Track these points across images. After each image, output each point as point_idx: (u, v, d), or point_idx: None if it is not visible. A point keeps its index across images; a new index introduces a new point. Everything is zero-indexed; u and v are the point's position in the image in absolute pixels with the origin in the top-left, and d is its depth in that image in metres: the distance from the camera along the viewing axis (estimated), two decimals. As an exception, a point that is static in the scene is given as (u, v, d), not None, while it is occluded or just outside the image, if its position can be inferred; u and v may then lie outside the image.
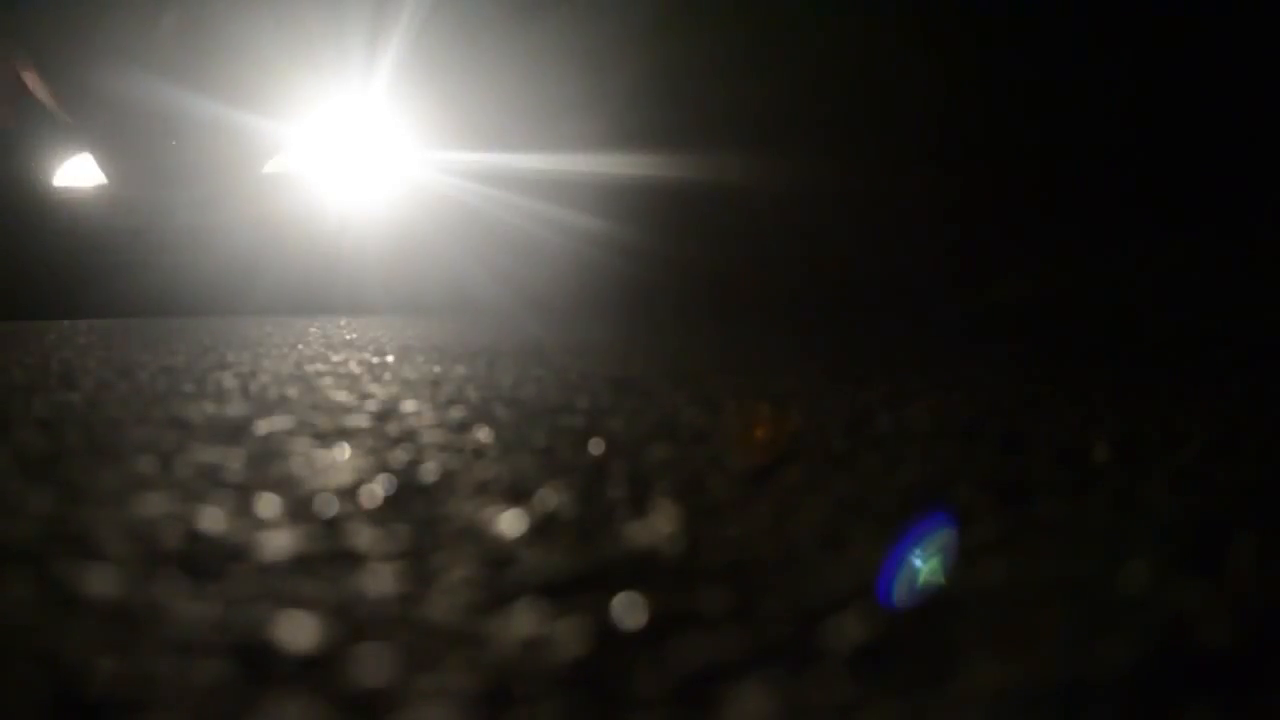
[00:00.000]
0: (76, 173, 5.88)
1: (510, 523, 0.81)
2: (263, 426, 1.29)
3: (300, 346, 2.69)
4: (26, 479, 0.98)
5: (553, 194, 5.14)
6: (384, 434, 1.24)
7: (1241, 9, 4.10)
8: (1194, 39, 4.17)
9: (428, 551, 0.73)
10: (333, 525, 0.81)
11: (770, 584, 0.66)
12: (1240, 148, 3.98)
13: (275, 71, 5.40)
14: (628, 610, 0.61)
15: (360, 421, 1.34)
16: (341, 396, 1.60)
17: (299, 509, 0.86)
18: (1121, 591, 0.64)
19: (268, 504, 0.87)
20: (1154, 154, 4.16)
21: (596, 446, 1.14)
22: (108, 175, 5.81)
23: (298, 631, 0.58)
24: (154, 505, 0.87)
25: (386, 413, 1.42)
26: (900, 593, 0.64)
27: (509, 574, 0.68)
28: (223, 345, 2.73)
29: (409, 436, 1.22)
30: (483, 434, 1.23)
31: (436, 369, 2.04)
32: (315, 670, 0.53)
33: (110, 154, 5.76)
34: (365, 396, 1.60)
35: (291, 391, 1.67)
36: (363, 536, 0.77)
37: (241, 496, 0.90)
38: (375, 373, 1.98)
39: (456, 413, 1.41)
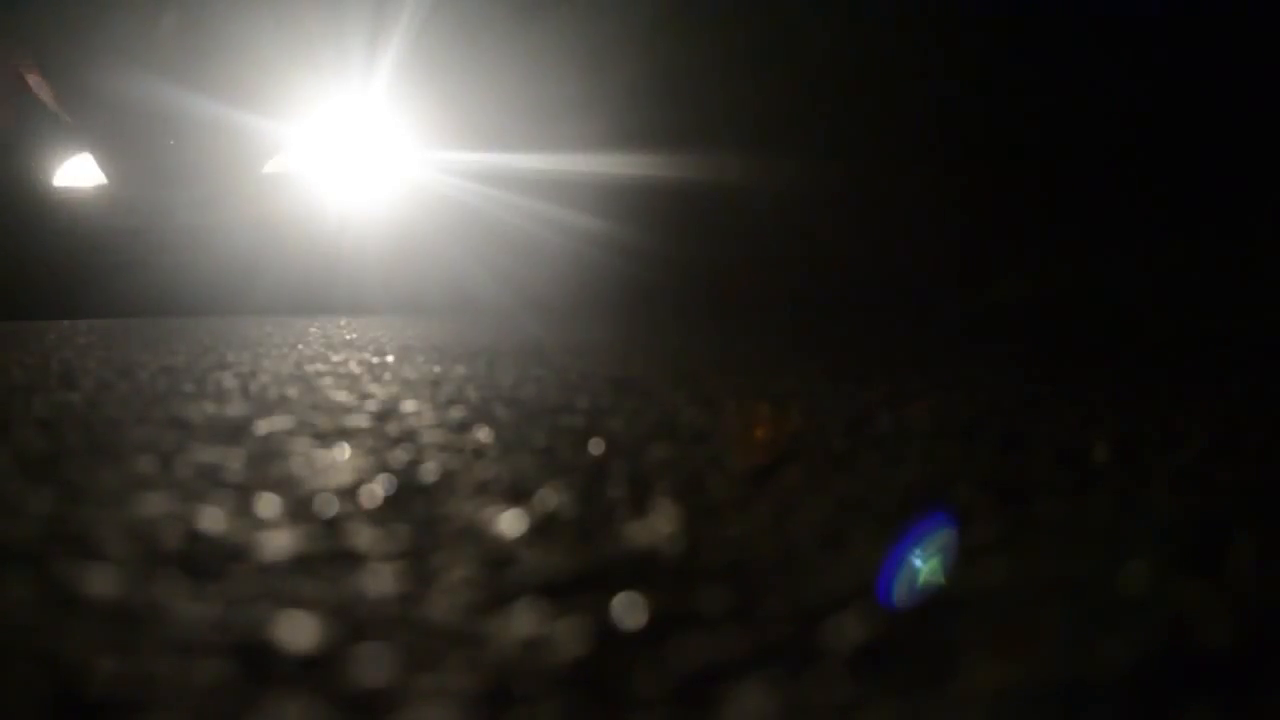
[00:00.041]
0: (76, 173, 5.88)
1: (510, 523, 0.81)
2: (263, 426, 1.29)
3: (300, 346, 2.69)
4: (26, 479, 0.98)
5: (553, 194, 5.14)
6: (384, 434, 1.24)
7: (1241, 9, 4.10)
8: (1194, 39, 4.17)
9: (428, 551, 0.73)
10: (333, 525, 0.81)
11: (770, 584, 0.66)
12: (1240, 148, 3.98)
13: (275, 71, 5.40)
14: (628, 610, 0.61)
15: (360, 421, 1.34)
16: (341, 396, 1.60)
17: (299, 509, 0.86)
18: (1121, 591, 0.64)
19: (268, 504, 0.87)
20: (1154, 154, 4.16)
21: (596, 446, 1.14)
22: (108, 175, 5.81)
23: (298, 631, 0.58)
24: (154, 505, 0.87)
25: (386, 413, 1.42)
26: (900, 593, 0.64)
27: (509, 574, 0.68)
28: (223, 345, 2.73)
29: (409, 436, 1.22)
30: (483, 434, 1.23)
31: (436, 369, 2.04)
32: (315, 670, 0.53)
33: (110, 154, 5.77)
34: (365, 396, 1.60)
35: (291, 391, 1.67)
36: (363, 536, 0.77)
37: (241, 496, 0.90)
38: (375, 373, 1.98)
39: (456, 413, 1.41)
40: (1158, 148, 4.17)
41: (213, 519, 0.82)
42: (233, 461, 1.06)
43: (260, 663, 0.53)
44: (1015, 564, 0.70)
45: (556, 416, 1.37)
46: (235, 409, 1.45)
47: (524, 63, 5.17)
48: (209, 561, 0.71)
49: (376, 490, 0.93)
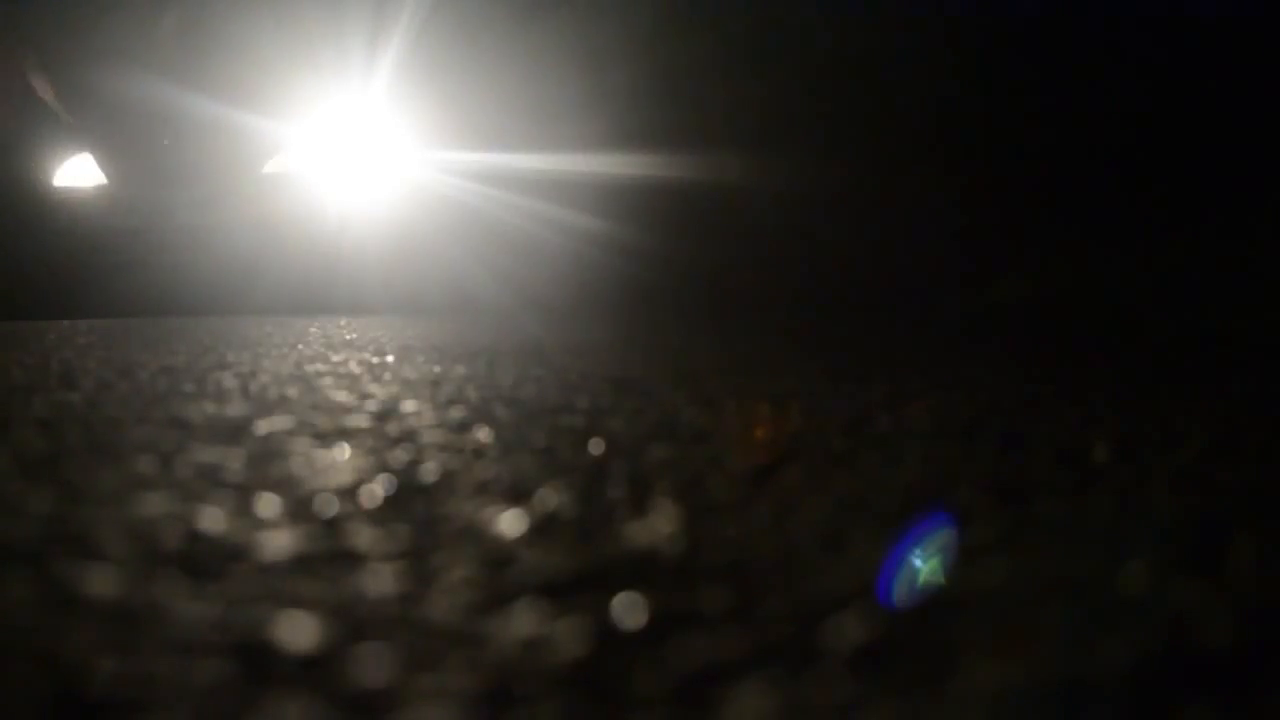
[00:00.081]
0: (76, 173, 5.88)
1: (510, 523, 0.81)
2: (263, 426, 1.29)
3: (300, 346, 2.69)
4: (26, 479, 0.98)
5: (553, 194, 5.14)
6: (384, 434, 1.24)
7: (1241, 9, 4.10)
8: (1194, 39, 4.17)
9: (428, 551, 0.73)
10: (333, 525, 0.81)
11: (770, 584, 0.66)
12: (1240, 148, 3.98)
13: (275, 71, 5.40)
14: (628, 610, 0.61)
15: (360, 421, 1.34)
16: (341, 396, 1.60)
17: (299, 509, 0.86)
18: (1121, 591, 0.64)
19: (268, 504, 0.87)
20: (1154, 154, 4.16)
21: (596, 446, 1.14)
22: (108, 175, 5.81)
23: (298, 631, 0.58)
24: (154, 505, 0.87)
25: (386, 413, 1.42)
26: (900, 593, 0.64)
27: (509, 574, 0.68)
28: (223, 345, 2.73)
29: (409, 436, 1.22)
30: (483, 434, 1.23)
31: (436, 369, 2.04)
32: (315, 670, 0.53)
33: (110, 154, 5.77)
34: (365, 396, 1.60)
35: (291, 391, 1.67)
36: (363, 536, 0.77)
37: (241, 496, 0.90)
38: (375, 373, 1.98)
39: (456, 413, 1.41)
40: (1158, 148, 4.17)
41: (213, 519, 0.82)
42: (233, 461, 1.06)
43: (260, 663, 0.53)
44: (1015, 564, 0.70)
45: (556, 416, 1.37)
46: (235, 409, 1.45)
47: (524, 63, 5.17)
48: (209, 561, 0.71)
49: (376, 490, 0.93)
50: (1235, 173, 3.92)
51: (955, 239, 4.42)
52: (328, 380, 1.85)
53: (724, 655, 0.54)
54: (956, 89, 4.57)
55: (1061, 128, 4.39)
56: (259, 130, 5.51)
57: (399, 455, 1.10)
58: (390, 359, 2.28)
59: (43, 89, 5.42)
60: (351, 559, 0.72)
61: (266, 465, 1.04)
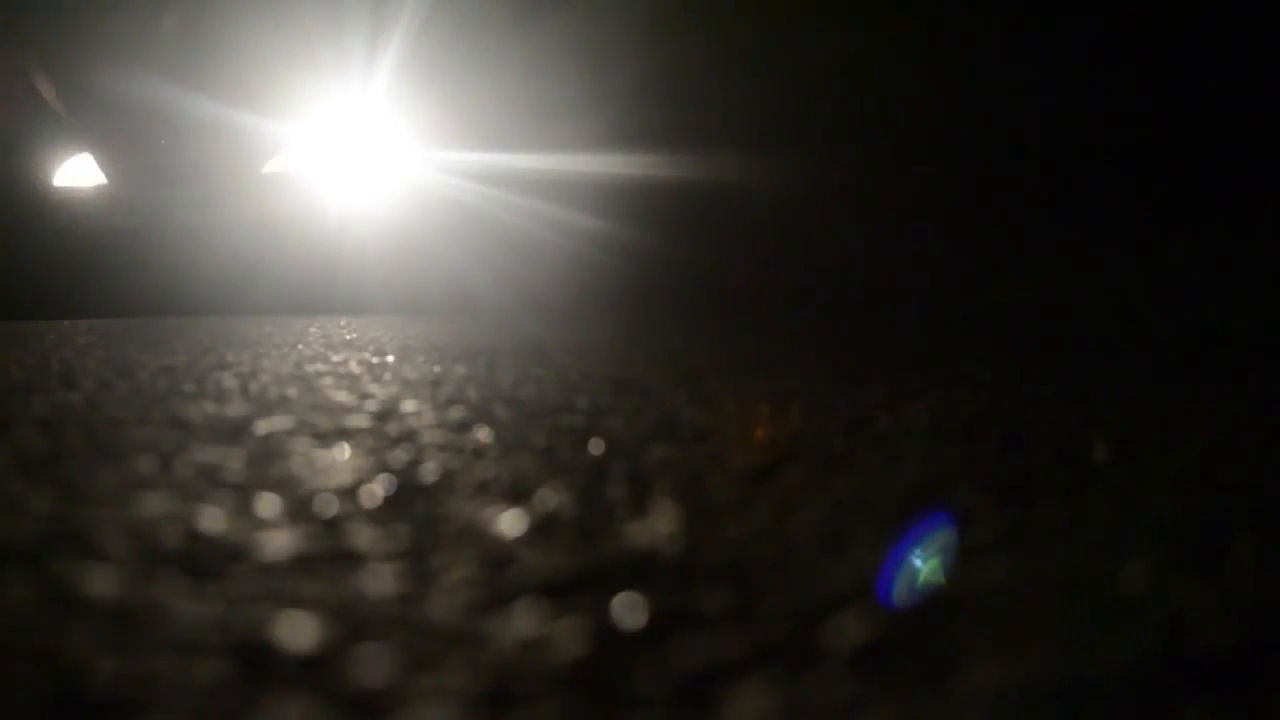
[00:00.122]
0: (76, 173, 5.88)
1: (510, 523, 0.81)
2: (263, 426, 1.29)
3: (300, 346, 2.69)
4: (26, 479, 0.98)
5: (553, 194, 5.14)
6: (384, 434, 1.24)
7: (1242, 9, 4.10)
8: (1194, 38, 4.17)
9: (428, 551, 0.73)
10: (333, 525, 0.81)
11: (770, 584, 0.66)
12: (1240, 148, 3.98)
13: (275, 71, 5.40)
14: (628, 610, 0.61)
15: (360, 421, 1.34)
16: (341, 396, 1.60)
17: (299, 509, 0.86)
18: (1121, 591, 0.64)
19: (268, 504, 0.87)
20: (1154, 153, 4.16)
21: (596, 446, 1.14)
22: (108, 175, 5.81)
23: (298, 631, 0.58)
24: (154, 505, 0.87)
25: (386, 413, 1.42)
26: (900, 593, 0.64)
27: (509, 574, 0.68)
28: (223, 345, 2.73)
29: (409, 436, 1.22)
30: (483, 434, 1.23)
31: (436, 369, 2.04)
32: (315, 670, 0.53)
33: (110, 154, 5.77)
34: (365, 396, 1.60)
35: (291, 391, 1.67)
36: (363, 536, 0.77)
37: (241, 496, 0.90)
38: (375, 373, 1.98)
39: (456, 413, 1.41)
40: (1158, 147, 4.17)
41: (213, 519, 0.82)
42: (233, 461, 1.06)
43: (260, 663, 0.53)
44: (1015, 564, 0.70)
45: (556, 416, 1.37)
46: (235, 409, 1.45)
47: (524, 63, 5.18)
48: (209, 561, 0.71)
49: (376, 490, 0.93)
50: (1235, 173, 3.92)
51: (955, 239, 4.42)
52: (328, 380, 1.85)
53: (724, 655, 0.54)
54: (957, 89, 4.57)
55: (1061, 128, 4.39)
56: (259, 130, 5.51)
57: (399, 455, 1.10)
58: (390, 359, 2.28)
59: (46, 89, 5.42)
60: (351, 559, 0.72)
61: (266, 465, 1.04)
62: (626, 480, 0.97)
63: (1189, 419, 1.32)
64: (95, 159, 5.78)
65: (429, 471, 1.01)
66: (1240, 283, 3.58)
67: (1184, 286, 3.71)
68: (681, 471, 1.01)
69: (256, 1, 5.43)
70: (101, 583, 0.66)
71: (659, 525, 0.80)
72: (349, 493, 0.92)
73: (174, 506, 0.86)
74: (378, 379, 1.87)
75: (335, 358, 2.32)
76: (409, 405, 1.49)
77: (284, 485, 0.95)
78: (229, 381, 1.82)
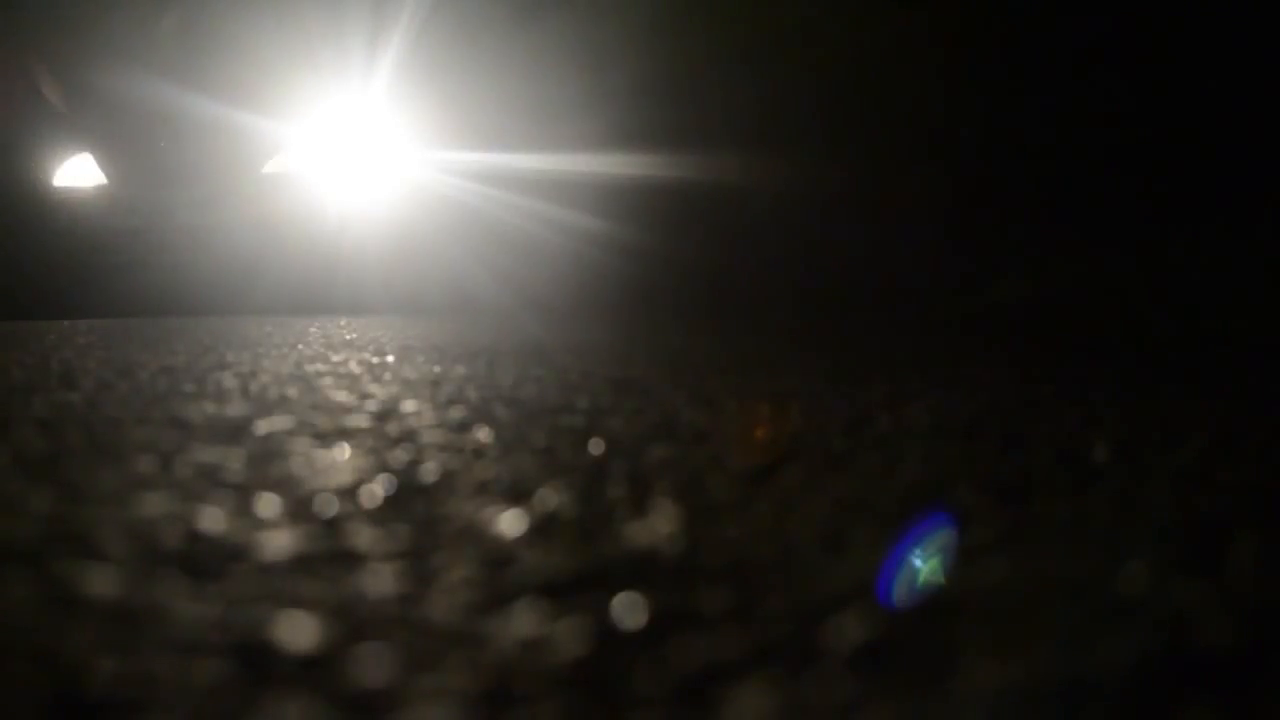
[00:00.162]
0: (76, 173, 5.88)
1: (510, 523, 0.81)
2: (263, 426, 1.29)
3: (300, 346, 2.69)
4: (26, 479, 0.98)
5: (553, 194, 5.14)
6: (384, 434, 1.24)
7: (1242, 9, 4.10)
8: (1194, 38, 4.17)
9: (428, 551, 0.73)
10: (333, 525, 0.81)
11: (770, 584, 0.66)
12: (1240, 148, 3.98)
13: (275, 71, 5.40)
14: (628, 610, 0.61)
15: (360, 421, 1.34)
16: (341, 396, 1.60)
17: (299, 509, 0.86)
18: (1121, 591, 0.64)
19: (268, 504, 0.87)
20: (1154, 153, 4.16)
21: (596, 446, 1.14)
22: (108, 175, 5.81)
23: (298, 631, 0.58)
24: (154, 505, 0.87)
25: (386, 413, 1.42)
26: (900, 593, 0.64)
27: (509, 574, 0.68)
28: (223, 345, 2.73)
29: (409, 436, 1.22)
30: (483, 434, 1.23)
31: (436, 369, 2.04)
32: (315, 670, 0.53)
33: (110, 154, 5.77)
34: (365, 396, 1.60)
35: (291, 391, 1.67)
36: (363, 536, 0.77)
37: (241, 496, 0.90)
38: (375, 373, 1.98)
39: (456, 413, 1.41)
40: (1157, 147, 4.17)
41: (213, 519, 0.82)
42: (233, 461, 1.06)
43: (260, 663, 0.53)
44: (1015, 564, 0.70)
45: (556, 416, 1.37)
46: (235, 409, 1.45)
47: (524, 63, 5.18)
48: (209, 561, 0.71)
49: (376, 490, 0.93)
50: (1235, 173, 3.92)
51: (955, 239, 4.42)
52: (328, 380, 1.85)
53: (724, 655, 0.54)
54: (956, 89, 4.57)
55: (1061, 128, 4.39)
56: (259, 130, 5.51)
57: (399, 455, 1.10)
58: (390, 359, 2.28)
59: (49, 88, 5.43)
60: (351, 559, 0.72)
61: (266, 465, 1.04)
62: (626, 480, 0.97)
63: (1189, 419, 1.32)
64: (95, 159, 5.78)
65: (429, 471, 1.01)
66: (1240, 283, 3.58)
67: (1184, 286, 3.71)
68: (681, 471, 1.01)
69: (256, 1, 5.43)
70: (101, 583, 0.66)
71: (659, 525, 0.80)
72: (349, 493, 0.92)
73: (174, 506, 0.86)
74: (378, 379, 1.87)
75: (335, 358, 2.32)
76: (409, 405, 1.49)
77: (284, 485, 0.95)
78: (229, 381, 1.82)
